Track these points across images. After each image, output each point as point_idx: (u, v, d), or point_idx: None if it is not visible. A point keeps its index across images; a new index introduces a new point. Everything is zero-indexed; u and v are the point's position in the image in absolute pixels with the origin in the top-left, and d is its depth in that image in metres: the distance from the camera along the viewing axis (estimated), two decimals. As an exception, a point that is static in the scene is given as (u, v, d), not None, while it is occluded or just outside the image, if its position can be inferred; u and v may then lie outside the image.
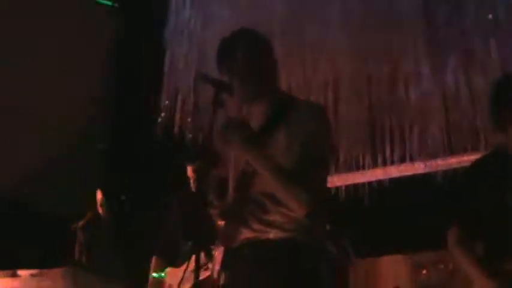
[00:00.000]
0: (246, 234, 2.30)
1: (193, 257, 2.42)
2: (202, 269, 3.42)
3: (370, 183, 5.63)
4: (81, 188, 4.96)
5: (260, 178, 2.27)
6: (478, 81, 5.08)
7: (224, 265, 2.34)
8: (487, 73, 4.97)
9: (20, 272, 3.77)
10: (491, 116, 2.77)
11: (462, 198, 2.76)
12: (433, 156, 5.31)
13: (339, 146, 5.61)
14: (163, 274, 3.99)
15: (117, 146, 6.49)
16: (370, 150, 5.60)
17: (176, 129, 5.83)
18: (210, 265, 2.93)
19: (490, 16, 5.05)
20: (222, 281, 2.32)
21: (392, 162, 5.54)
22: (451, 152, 5.25)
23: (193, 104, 5.70)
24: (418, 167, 5.42)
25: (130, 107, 6.42)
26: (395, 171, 5.55)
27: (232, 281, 2.30)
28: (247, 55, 2.36)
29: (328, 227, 4.25)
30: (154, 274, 3.97)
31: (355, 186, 5.71)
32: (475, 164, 2.79)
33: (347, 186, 5.73)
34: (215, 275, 2.34)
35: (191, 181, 4.04)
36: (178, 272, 3.82)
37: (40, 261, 3.80)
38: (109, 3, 6.89)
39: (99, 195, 4.74)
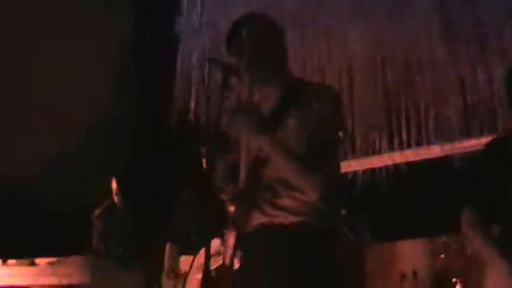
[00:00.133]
0: (259, 219, 2.29)
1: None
2: (215, 256, 3.44)
3: (387, 167, 5.60)
4: (98, 177, 4.98)
5: (272, 163, 2.26)
6: (495, 63, 5.01)
7: (237, 250, 2.33)
8: (504, 56, 4.91)
9: (38, 261, 3.80)
10: (506, 98, 2.73)
11: (477, 179, 2.72)
12: (450, 139, 5.27)
13: (356, 131, 5.60)
14: (178, 261, 4.01)
15: (133, 134, 6.51)
16: (386, 134, 5.57)
17: (191, 116, 5.85)
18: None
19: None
20: (235, 266, 2.31)
21: (409, 146, 5.50)
22: (468, 134, 5.20)
23: (206, 90, 5.71)
24: (435, 150, 5.38)
25: (145, 98, 6.45)
26: (412, 155, 5.51)
27: (246, 266, 2.29)
28: (254, 39, 2.34)
29: (344, 211, 4.24)
30: (171, 259, 3.98)
31: (372, 170, 5.68)
32: (490, 145, 2.75)
33: (364, 171, 5.71)
34: (227, 261, 2.34)
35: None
36: (196, 259, 3.82)
37: (58, 250, 3.83)
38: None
39: (114, 184, 4.76)
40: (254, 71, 2.33)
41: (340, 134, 2.41)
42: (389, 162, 5.59)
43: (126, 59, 6.58)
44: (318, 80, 5.39)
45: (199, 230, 3.90)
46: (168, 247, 4.14)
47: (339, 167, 2.38)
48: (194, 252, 3.92)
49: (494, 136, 2.92)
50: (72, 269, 3.76)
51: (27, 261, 3.80)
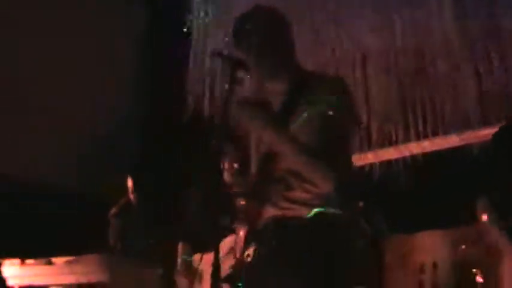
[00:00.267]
0: (271, 212, 2.29)
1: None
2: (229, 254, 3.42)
3: (404, 158, 5.55)
4: (114, 175, 5.00)
5: (284, 156, 2.25)
6: (510, 50, 4.95)
7: (249, 244, 2.33)
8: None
9: (55, 260, 3.83)
10: None
11: (490, 168, 2.69)
12: (467, 127, 5.20)
13: (371, 123, 5.56)
14: (190, 259, 4.00)
15: (146, 132, 6.55)
16: (402, 125, 5.52)
17: (206, 112, 5.86)
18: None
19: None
20: (247, 260, 2.30)
21: (425, 136, 5.45)
22: (485, 122, 5.13)
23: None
24: (453, 140, 5.32)
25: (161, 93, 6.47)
26: (429, 145, 5.45)
27: (259, 259, 2.28)
28: (260, 33, 2.33)
29: (361, 203, 4.21)
30: (184, 257, 3.98)
31: (389, 162, 5.64)
32: (497, 134, 2.72)
33: (381, 163, 5.67)
34: (238, 255, 2.33)
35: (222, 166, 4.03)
36: (210, 257, 3.82)
37: (75, 249, 3.85)
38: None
39: (129, 182, 4.78)
40: (262, 66, 2.32)
41: (355, 126, 2.40)
42: (406, 153, 5.54)
43: (139, 57, 6.62)
44: (331, 72, 5.37)
45: (208, 227, 3.88)
46: (180, 245, 4.14)
47: (350, 160, 2.36)
48: (207, 250, 3.91)
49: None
50: (89, 268, 3.77)
51: (45, 260, 3.83)
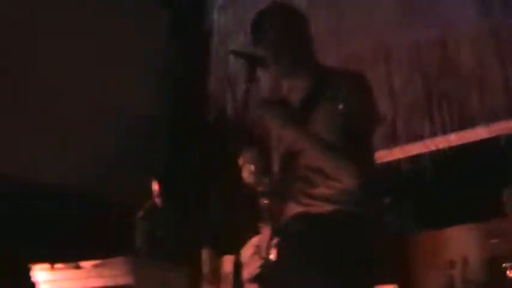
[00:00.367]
0: (295, 209, 2.27)
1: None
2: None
3: (430, 153, 5.49)
4: (141, 179, 5.01)
5: (306, 153, 2.23)
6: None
7: (273, 241, 2.31)
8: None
9: (83, 264, 3.85)
10: None
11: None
12: (494, 120, 5.12)
13: (397, 118, 5.51)
14: (218, 264, 3.98)
15: (171, 134, 6.56)
16: (428, 119, 5.46)
17: (229, 113, 5.86)
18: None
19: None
20: (272, 257, 2.29)
21: (452, 130, 5.38)
22: (512, 115, 5.05)
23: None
24: (479, 133, 5.23)
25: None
26: (455, 138, 5.38)
27: (283, 256, 2.27)
28: (278, 30, 2.32)
29: (388, 199, 4.16)
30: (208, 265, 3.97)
31: (416, 157, 5.57)
32: None
33: (407, 158, 5.61)
34: (264, 253, 2.31)
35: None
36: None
37: (103, 252, 3.87)
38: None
39: (155, 186, 4.78)
40: (281, 64, 2.31)
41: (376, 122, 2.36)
42: (433, 148, 5.47)
43: (159, 58, 6.62)
44: (354, 67, 5.32)
45: (231, 228, 3.87)
46: (204, 251, 4.11)
47: (373, 156, 2.33)
48: (234, 252, 3.89)
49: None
50: (117, 271, 3.78)
51: (73, 264, 3.85)
